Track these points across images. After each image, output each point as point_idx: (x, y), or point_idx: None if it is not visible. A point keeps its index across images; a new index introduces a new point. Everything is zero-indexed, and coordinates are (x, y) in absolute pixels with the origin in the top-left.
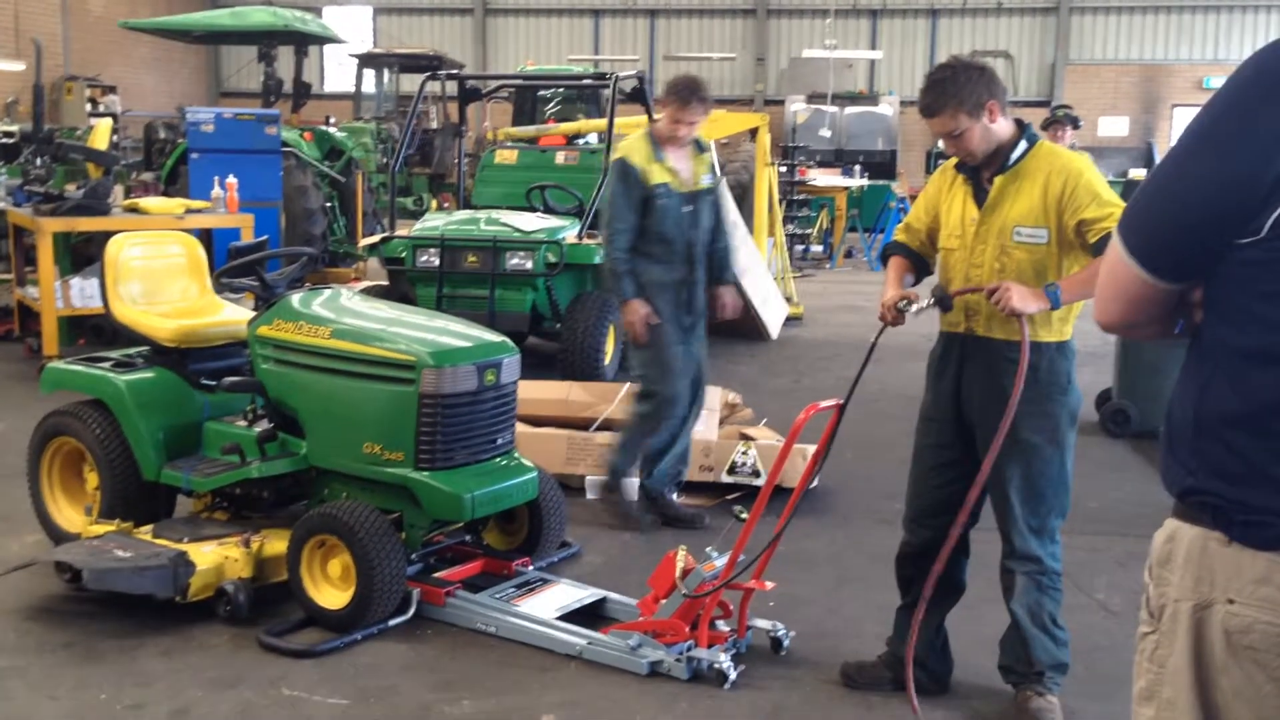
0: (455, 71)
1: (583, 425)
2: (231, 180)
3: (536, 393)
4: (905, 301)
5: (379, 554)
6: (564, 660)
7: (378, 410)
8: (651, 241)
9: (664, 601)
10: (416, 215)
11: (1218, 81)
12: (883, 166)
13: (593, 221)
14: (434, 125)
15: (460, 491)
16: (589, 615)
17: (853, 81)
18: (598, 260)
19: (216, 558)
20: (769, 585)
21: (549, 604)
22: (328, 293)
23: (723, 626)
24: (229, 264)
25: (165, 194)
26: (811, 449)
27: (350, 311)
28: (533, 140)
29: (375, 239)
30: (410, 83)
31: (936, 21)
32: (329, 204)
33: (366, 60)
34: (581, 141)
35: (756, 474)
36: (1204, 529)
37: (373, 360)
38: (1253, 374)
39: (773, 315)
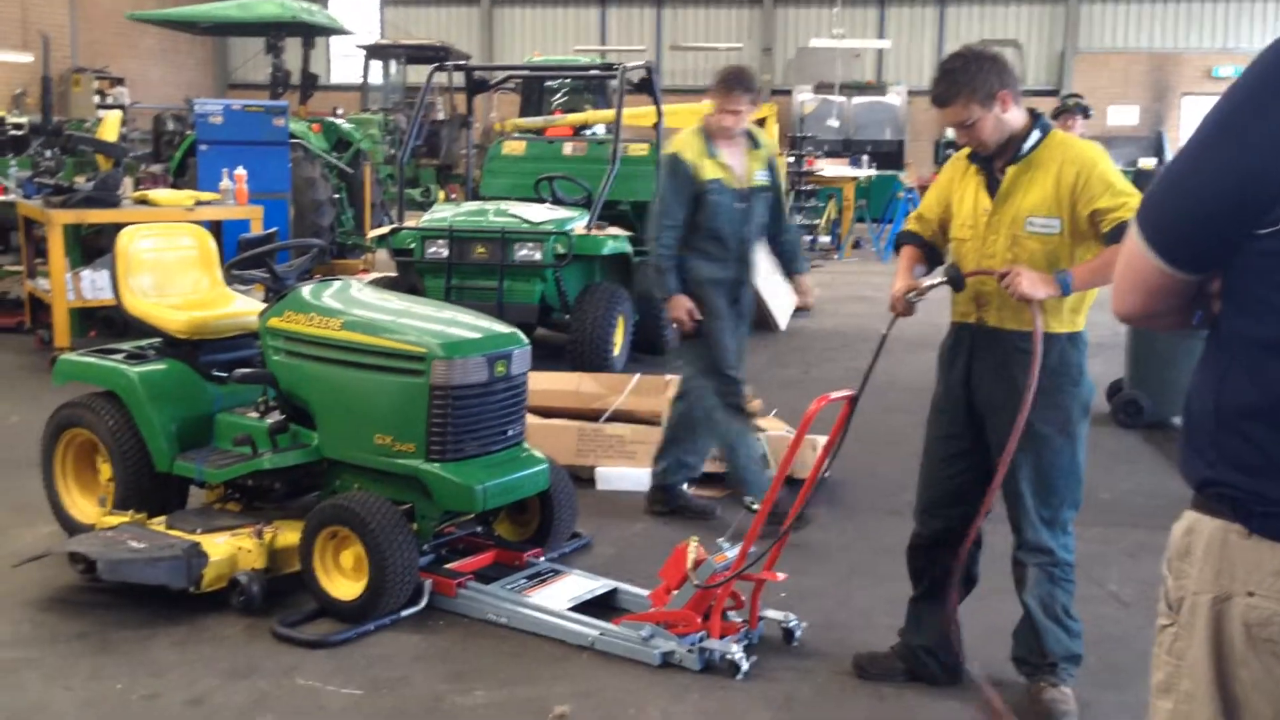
0: (462, 62)
1: (593, 416)
2: (240, 172)
3: (546, 384)
4: (915, 292)
5: (391, 545)
6: (576, 651)
7: (388, 402)
8: (704, 239)
9: (676, 592)
10: (424, 206)
11: (1227, 70)
12: (891, 157)
13: (602, 212)
14: (441, 116)
15: (471, 483)
16: (601, 606)
17: (860, 71)
18: (606, 251)
19: (229, 549)
20: (781, 576)
21: (561, 595)
22: (338, 284)
23: (735, 617)
24: (239, 256)
25: (174, 186)
26: (822, 440)
27: (360, 303)
28: (540, 131)
29: (384, 230)
30: (417, 74)
31: (945, 10)
32: (337, 195)
33: (373, 51)
34: (589, 132)
35: (766, 465)
36: (1224, 521)
37: (383, 352)
38: (1271, 365)
39: (781, 306)
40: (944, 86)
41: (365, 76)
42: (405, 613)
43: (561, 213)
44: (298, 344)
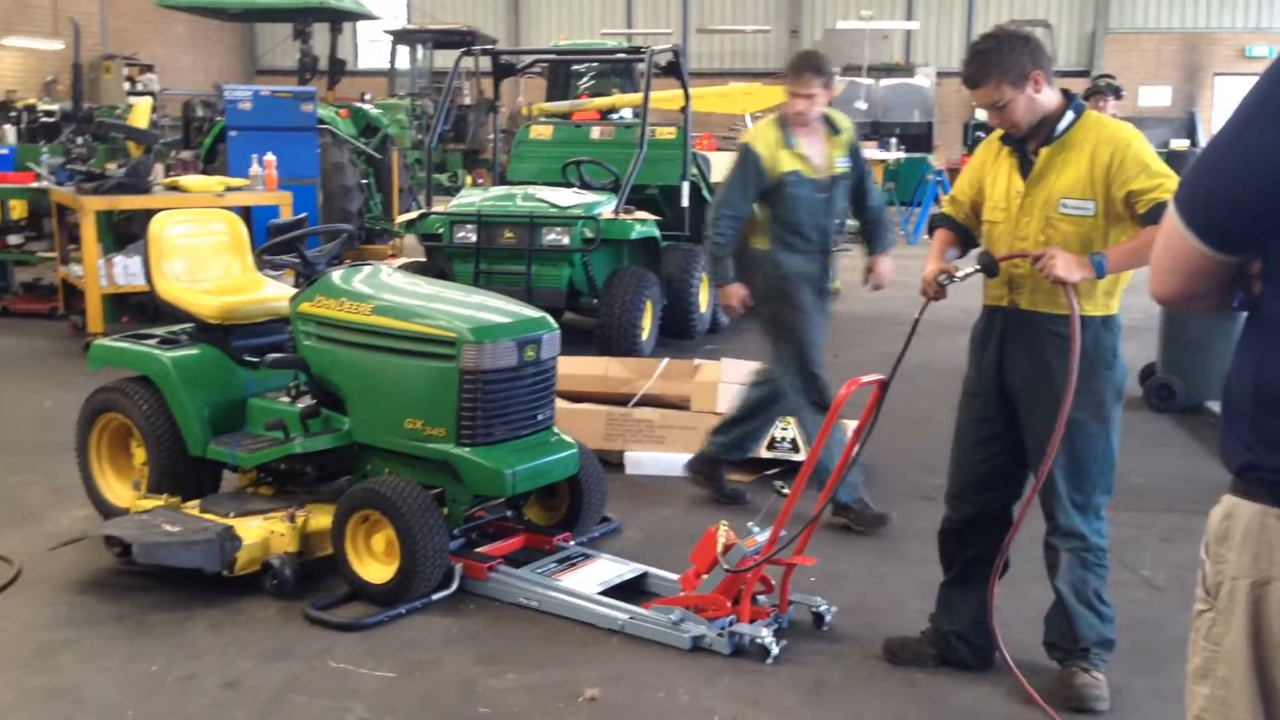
0: (489, 47)
1: (621, 401)
2: (269, 158)
3: (575, 369)
4: (946, 275)
5: (422, 529)
6: (606, 635)
7: (419, 386)
8: (785, 231)
9: (705, 576)
10: (451, 191)
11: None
12: (919, 139)
13: (630, 196)
14: (468, 101)
15: (501, 467)
16: (630, 590)
17: (888, 53)
18: (634, 235)
19: (263, 532)
20: (811, 561)
21: (590, 579)
22: (368, 269)
23: (764, 601)
24: (270, 241)
25: (204, 172)
26: (852, 425)
27: (391, 288)
28: (567, 115)
29: (413, 215)
30: (444, 59)
31: None
32: (365, 181)
33: (401, 36)
34: (616, 116)
35: (796, 449)
36: (1263, 505)
37: (414, 336)
38: None
39: None
40: (975, 67)
41: (392, 61)
42: (436, 596)
43: (589, 197)
44: (329, 329)
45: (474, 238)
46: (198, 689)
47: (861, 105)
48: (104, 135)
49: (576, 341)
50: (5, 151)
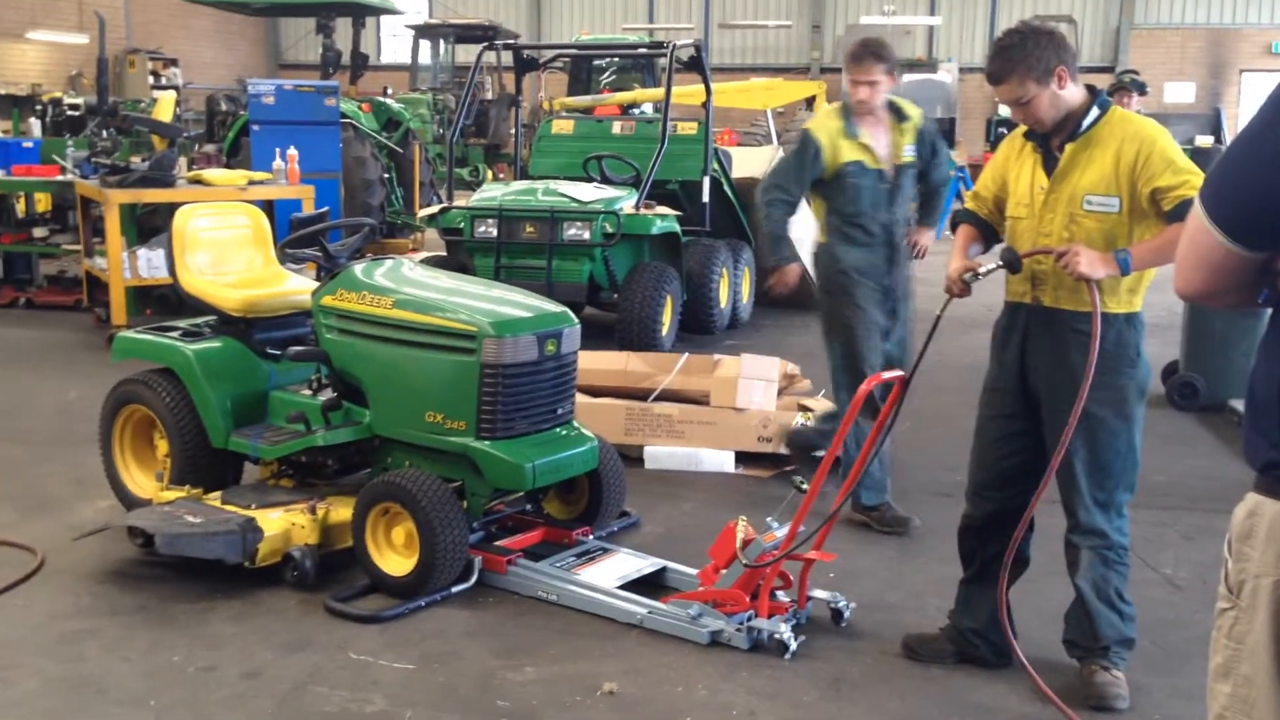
0: (511, 42)
1: (641, 395)
2: (292, 152)
3: (595, 363)
4: (970, 273)
5: (442, 522)
6: (625, 629)
7: (440, 380)
8: (845, 223)
9: (724, 571)
10: (472, 186)
11: None
12: (942, 135)
13: (651, 191)
14: (489, 96)
15: (521, 461)
16: (649, 585)
17: (911, 48)
18: (655, 230)
19: (284, 524)
20: (830, 556)
21: (609, 573)
22: (390, 263)
23: (783, 597)
24: (293, 235)
25: (227, 166)
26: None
27: (412, 282)
28: (588, 110)
29: (434, 210)
30: (466, 53)
31: None
32: (386, 175)
33: (423, 31)
34: (637, 111)
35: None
36: None
37: (435, 330)
38: None
39: None
40: (999, 63)
41: (414, 56)
42: (455, 589)
43: (610, 192)
44: (350, 322)
45: (495, 232)
46: (218, 679)
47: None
48: (128, 129)
49: (597, 336)
50: (31, 145)
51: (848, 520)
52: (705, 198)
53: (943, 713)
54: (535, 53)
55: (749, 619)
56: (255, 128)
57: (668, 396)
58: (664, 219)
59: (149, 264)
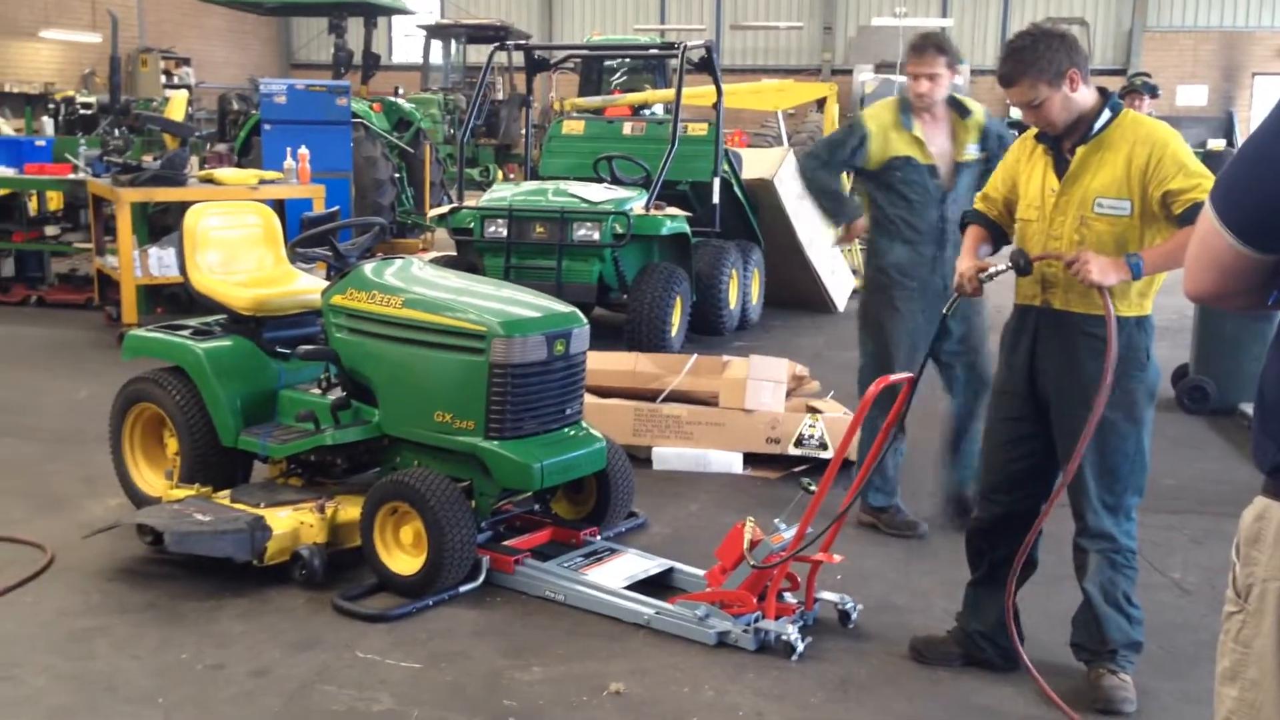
0: (522, 42)
1: (650, 396)
2: (303, 151)
3: (603, 364)
4: (984, 273)
5: (450, 521)
6: (632, 629)
7: (449, 379)
8: (892, 220)
9: (731, 572)
10: (483, 186)
11: None
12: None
13: (661, 192)
14: (500, 96)
15: (530, 461)
16: (656, 585)
17: None
18: (664, 231)
19: (292, 523)
20: (837, 558)
21: (617, 573)
22: (400, 262)
23: (790, 598)
24: (303, 234)
25: (238, 165)
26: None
27: (422, 281)
28: (599, 111)
29: (444, 210)
30: (477, 53)
31: None
32: (397, 175)
33: (434, 31)
34: (648, 112)
35: (824, 446)
36: None
37: (444, 330)
38: None
39: (839, 287)
40: (1011, 65)
41: (426, 56)
42: (463, 589)
43: (620, 192)
44: (360, 321)
45: (505, 232)
46: (227, 677)
47: None
48: (140, 128)
49: (606, 337)
50: (43, 143)
51: (856, 522)
52: (715, 199)
53: (949, 715)
54: (546, 53)
55: (756, 620)
56: (267, 127)
57: (676, 397)
58: (674, 220)
59: (160, 262)
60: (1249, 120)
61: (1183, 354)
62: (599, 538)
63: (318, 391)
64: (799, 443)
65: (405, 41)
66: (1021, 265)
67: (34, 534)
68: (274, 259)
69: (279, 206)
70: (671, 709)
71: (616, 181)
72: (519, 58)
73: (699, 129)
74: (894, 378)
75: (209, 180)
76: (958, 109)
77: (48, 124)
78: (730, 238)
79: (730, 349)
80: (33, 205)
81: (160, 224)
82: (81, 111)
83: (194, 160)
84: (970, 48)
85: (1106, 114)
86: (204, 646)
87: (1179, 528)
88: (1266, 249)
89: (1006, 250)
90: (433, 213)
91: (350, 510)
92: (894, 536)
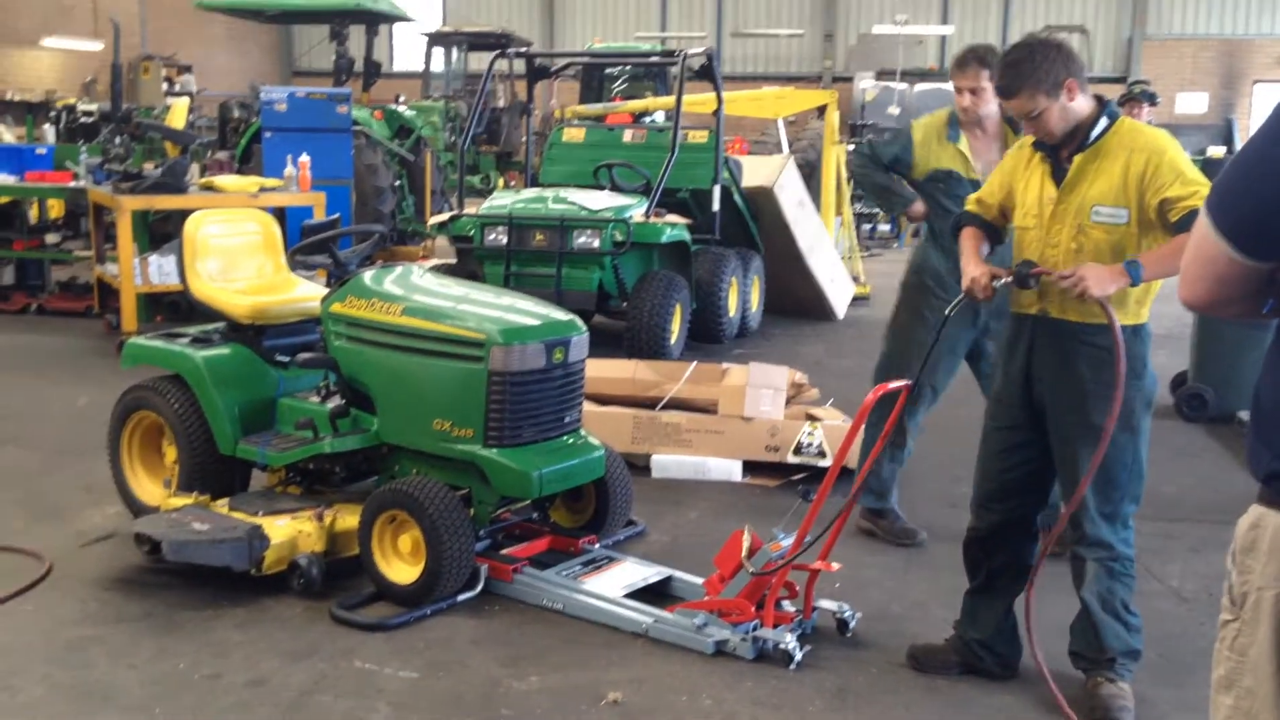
0: (523, 49)
1: (649, 404)
2: (304, 159)
3: (603, 371)
4: (998, 280)
5: (448, 530)
6: (630, 638)
7: (448, 387)
8: (936, 230)
9: (730, 581)
10: (484, 193)
11: None
12: None
13: (661, 200)
14: (501, 103)
15: (528, 469)
16: (655, 594)
17: (923, 58)
18: (664, 239)
19: (290, 531)
20: (835, 566)
21: (615, 582)
22: (399, 270)
23: (789, 607)
24: (303, 241)
25: (239, 172)
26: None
27: (421, 289)
28: (600, 118)
29: (444, 217)
30: (478, 61)
31: None
32: (398, 182)
33: (435, 39)
34: (649, 119)
35: (823, 454)
36: None
37: (443, 338)
38: None
39: (839, 294)
40: (1009, 78)
41: (427, 64)
42: (461, 597)
43: (620, 200)
44: (359, 329)
45: (505, 240)
46: (224, 687)
47: (895, 110)
48: (142, 135)
49: (605, 344)
50: (44, 151)
51: (854, 530)
52: (715, 206)
53: None
54: (547, 61)
55: (754, 629)
56: (268, 134)
57: (675, 405)
58: (674, 227)
59: (160, 270)
60: (1249, 128)
61: (1181, 361)
62: (597, 546)
63: (317, 399)
64: (798, 451)
65: (407, 49)
66: (1027, 282)
67: (32, 543)
68: (274, 267)
69: (279, 214)
70: (669, 718)
71: (617, 189)
72: (520, 65)
73: (699, 136)
74: (892, 385)
75: (209, 188)
76: (1011, 124)
77: (49, 132)
78: (730, 245)
79: (730, 356)
80: (33, 213)
81: (161, 232)
82: (82, 119)
83: (195, 168)
84: None
85: (1104, 122)
86: (201, 656)
87: (1177, 536)
88: (1260, 256)
89: (1000, 254)
90: (433, 220)
91: (348, 519)
92: (892, 544)
